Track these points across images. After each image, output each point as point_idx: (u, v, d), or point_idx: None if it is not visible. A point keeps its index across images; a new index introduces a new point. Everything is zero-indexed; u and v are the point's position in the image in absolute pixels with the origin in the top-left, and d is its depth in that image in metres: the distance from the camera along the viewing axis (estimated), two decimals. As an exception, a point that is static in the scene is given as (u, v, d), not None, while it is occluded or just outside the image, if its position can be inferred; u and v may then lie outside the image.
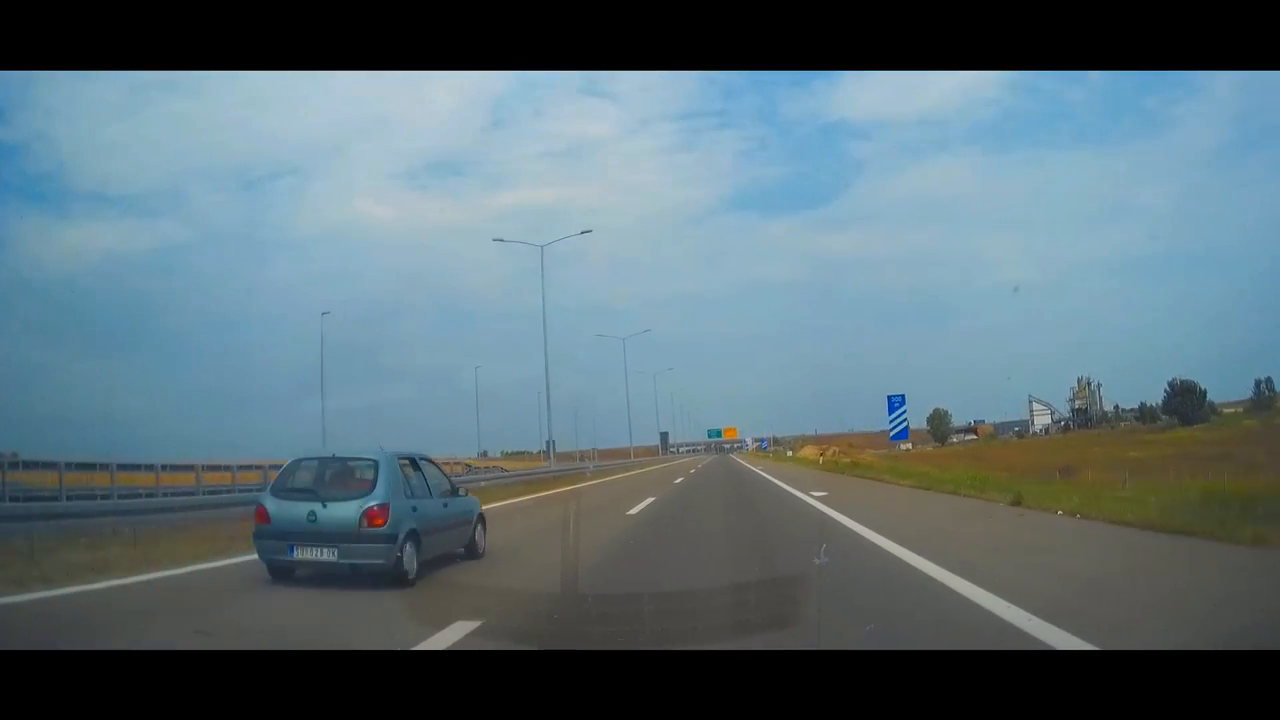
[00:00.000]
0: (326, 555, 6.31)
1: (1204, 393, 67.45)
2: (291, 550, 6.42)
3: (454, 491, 8.16)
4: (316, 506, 6.47)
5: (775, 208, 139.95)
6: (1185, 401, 66.25)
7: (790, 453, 64.51)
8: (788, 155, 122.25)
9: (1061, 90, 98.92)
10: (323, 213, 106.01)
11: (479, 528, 8.25)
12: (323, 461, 7.18)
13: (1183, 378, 67.75)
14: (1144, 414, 76.24)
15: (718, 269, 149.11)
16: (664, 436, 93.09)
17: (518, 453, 77.43)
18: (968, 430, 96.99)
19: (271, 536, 6.54)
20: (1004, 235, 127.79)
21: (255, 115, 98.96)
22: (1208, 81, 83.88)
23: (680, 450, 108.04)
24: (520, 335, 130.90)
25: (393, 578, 6.33)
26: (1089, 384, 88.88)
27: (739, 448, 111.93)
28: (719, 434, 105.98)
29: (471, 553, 8.05)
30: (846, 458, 51.92)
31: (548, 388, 34.53)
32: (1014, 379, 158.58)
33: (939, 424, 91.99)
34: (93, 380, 74.03)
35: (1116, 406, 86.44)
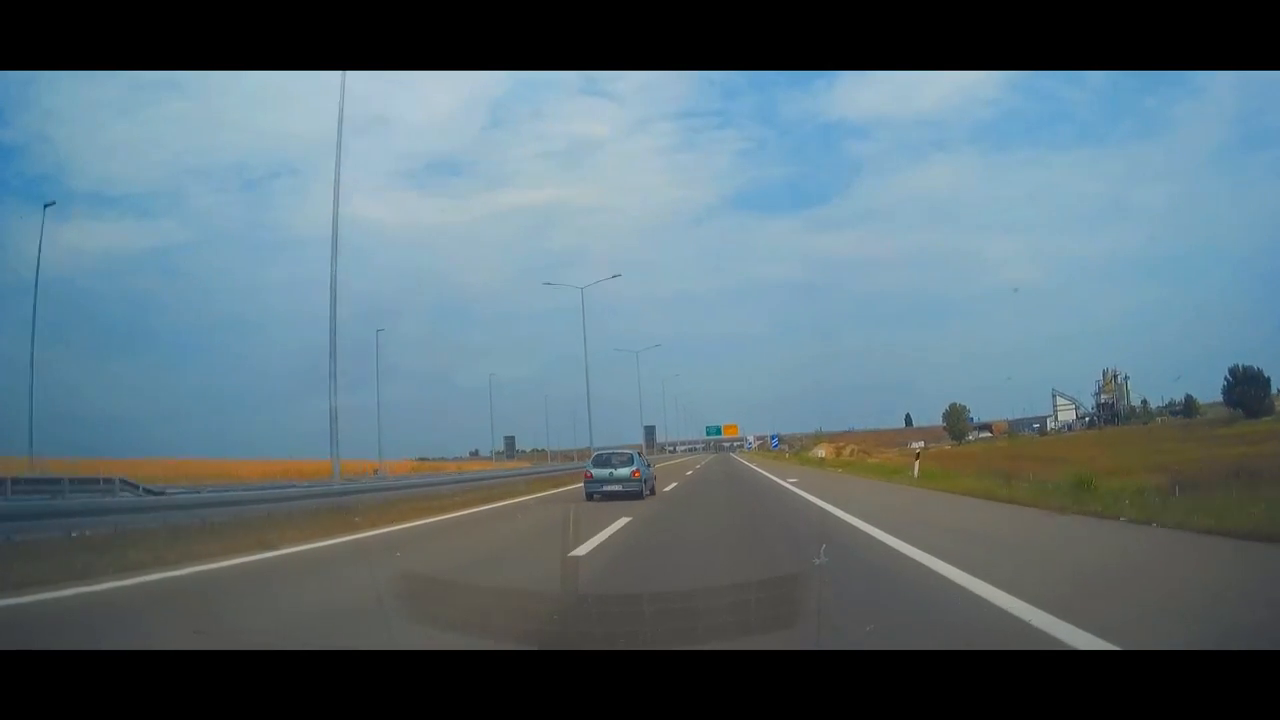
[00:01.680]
0: (618, 488, 16.77)
1: (1268, 380, 60.71)
2: (602, 487, 16.90)
3: (649, 465, 20.41)
4: (612, 470, 17.24)
5: (775, 207, 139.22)
6: (1248, 392, 59.52)
7: (821, 453, 54.10)
8: (787, 155, 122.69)
9: (1061, 90, 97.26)
10: (321, 212, 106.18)
11: (655, 480, 20.04)
12: (612, 452, 18.58)
13: (1244, 364, 60.69)
14: (1188, 407, 70.66)
15: (718, 268, 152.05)
16: (650, 431, 78.26)
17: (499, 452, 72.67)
18: (982, 428, 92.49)
19: (594, 482, 17.12)
20: (1005, 235, 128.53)
21: (255, 115, 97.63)
22: (1208, 82, 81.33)
23: (676, 449, 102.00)
24: (521, 336, 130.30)
25: (640, 497, 16.74)
26: (1115, 377, 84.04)
27: (740, 446, 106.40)
28: (718, 431, 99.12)
29: (654, 491, 18.82)
30: (872, 457, 45.87)
31: (331, 345, 18.75)
32: (1014, 379, 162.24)
33: (956, 420, 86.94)
34: (92, 380, 74.71)
35: (1144, 401, 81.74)
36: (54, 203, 33.91)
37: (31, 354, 27.71)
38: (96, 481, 20.07)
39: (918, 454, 21.52)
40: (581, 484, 17.79)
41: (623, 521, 11.04)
